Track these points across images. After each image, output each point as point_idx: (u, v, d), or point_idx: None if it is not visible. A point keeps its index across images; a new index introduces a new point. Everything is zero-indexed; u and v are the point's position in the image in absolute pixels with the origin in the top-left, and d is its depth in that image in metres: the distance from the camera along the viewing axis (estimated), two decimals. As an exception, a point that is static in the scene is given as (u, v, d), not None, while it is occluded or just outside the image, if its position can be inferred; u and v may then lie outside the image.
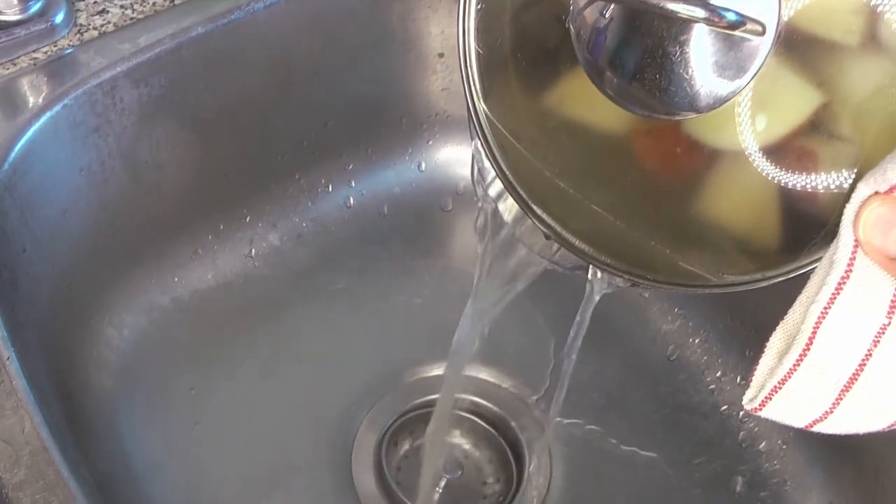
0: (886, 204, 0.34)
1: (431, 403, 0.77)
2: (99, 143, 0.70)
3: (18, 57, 0.70)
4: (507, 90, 0.50)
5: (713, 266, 0.45)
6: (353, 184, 0.85)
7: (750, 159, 0.42)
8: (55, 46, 0.71)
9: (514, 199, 0.49)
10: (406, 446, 0.76)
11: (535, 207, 0.49)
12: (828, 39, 0.39)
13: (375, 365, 0.79)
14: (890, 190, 0.33)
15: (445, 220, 0.87)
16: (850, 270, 0.35)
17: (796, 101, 0.40)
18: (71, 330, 0.73)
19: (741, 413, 0.75)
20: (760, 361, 0.38)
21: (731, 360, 0.77)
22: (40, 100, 0.67)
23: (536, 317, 0.80)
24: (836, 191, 0.39)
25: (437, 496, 0.74)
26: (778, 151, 0.41)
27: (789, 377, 0.37)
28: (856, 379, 0.36)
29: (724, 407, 0.76)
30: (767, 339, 0.74)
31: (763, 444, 0.74)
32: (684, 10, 0.38)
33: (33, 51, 0.70)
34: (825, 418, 0.38)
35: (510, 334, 0.80)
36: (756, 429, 0.74)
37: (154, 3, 0.73)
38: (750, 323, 0.75)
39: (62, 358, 0.71)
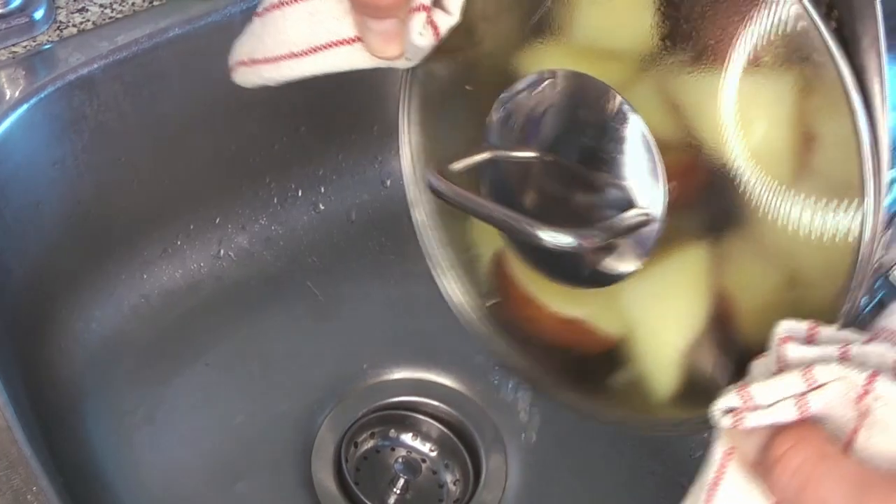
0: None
1: (392, 406, 0.79)
2: (74, 138, 0.71)
3: (-3, 50, 0.71)
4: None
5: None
6: (322, 189, 0.86)
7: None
8: (34, 42, 0.71)
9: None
10: (366, 447, 0.77)
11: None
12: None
13: (338, 366, 0.80)
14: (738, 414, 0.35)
15: (412, 227, 0.87)
16: (725, 468, 0.37)
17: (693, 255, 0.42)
18: (39, 322, 0.74)
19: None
20: None
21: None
22: (17, 93, 0.68)
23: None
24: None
25: (393, 498, 0.75)
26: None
27: None
28: None
29: (678, 416, 0.77)
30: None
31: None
32: (551, 238, 0.39)
33: (12, 45, 0.71)
34: None
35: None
36: (708, 438, 0.76)
37: (133, 4, 0.75)
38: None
39: (29, 349, 0.72)
